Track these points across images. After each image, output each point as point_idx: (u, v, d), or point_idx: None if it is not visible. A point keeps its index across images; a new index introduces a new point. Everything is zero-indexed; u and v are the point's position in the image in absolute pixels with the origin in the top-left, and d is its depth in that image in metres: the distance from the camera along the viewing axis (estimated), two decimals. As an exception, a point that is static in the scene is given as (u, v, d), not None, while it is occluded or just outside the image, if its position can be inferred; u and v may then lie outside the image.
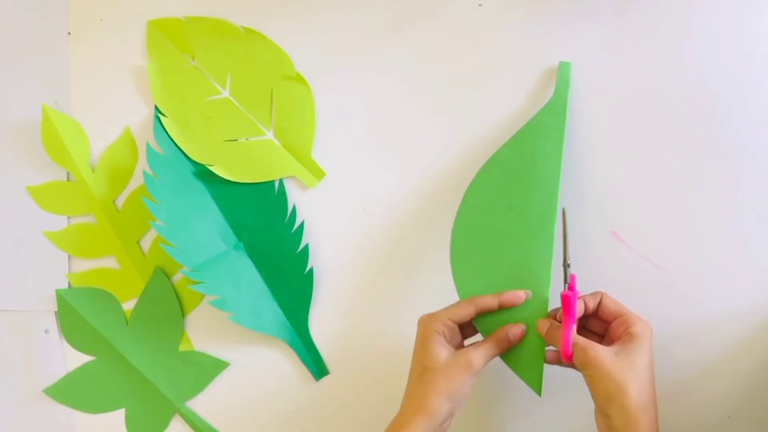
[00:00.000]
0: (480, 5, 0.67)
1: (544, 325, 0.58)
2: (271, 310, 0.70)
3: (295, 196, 0.70)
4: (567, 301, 0.56)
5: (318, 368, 0.70)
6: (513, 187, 0.60)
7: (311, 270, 0.70)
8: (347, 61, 0.69)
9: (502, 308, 0.59)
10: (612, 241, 0.65)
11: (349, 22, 0.69)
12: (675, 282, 0.65)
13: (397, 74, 0.68)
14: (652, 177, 0.65)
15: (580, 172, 0.65)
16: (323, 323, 0.70)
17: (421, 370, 0.57)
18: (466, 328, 0.61)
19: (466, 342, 0.61)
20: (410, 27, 0.68)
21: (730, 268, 0.64)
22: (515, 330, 0.58)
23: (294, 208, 0.70)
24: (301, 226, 0.70)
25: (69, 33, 0.72)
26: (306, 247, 0.70)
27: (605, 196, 0.65)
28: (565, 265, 0.59)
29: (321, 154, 0.70)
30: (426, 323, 0.58)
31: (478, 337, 0.61)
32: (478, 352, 0.56)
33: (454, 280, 0.62)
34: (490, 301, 0.59)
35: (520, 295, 0.59)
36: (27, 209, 0.73)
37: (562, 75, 0.63)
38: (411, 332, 0.68)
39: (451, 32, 0.67)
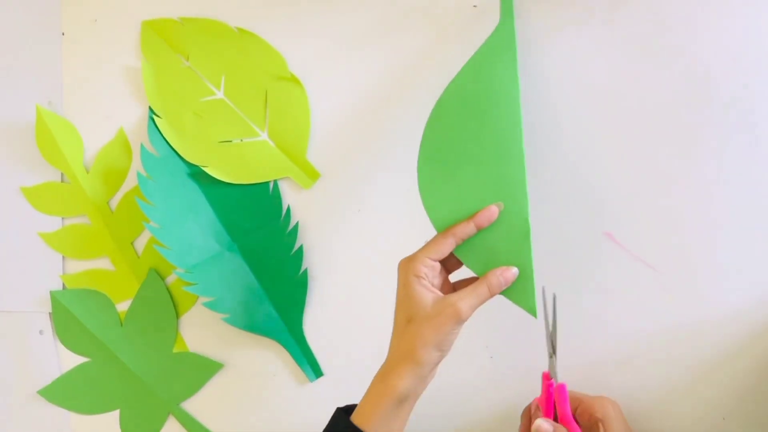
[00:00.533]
0: (474, 6, 0.67)
1: (546, 429, 0.56)
2: (265, 311, 0.70)
3: (289, 197, 0.70)
4: (563, 393, 0.57)
5: (312, 369, 0.70)
6: (474, 112, 0.58)
7: (306, 271, 0.70)
8: (342, 61, 0.69)
9: (481, 230, 0.57)
10: (606, 242, 0.65)
11: (343, 22, 0.69)
12: (669, 283, 0.65)
13: (391, 75, 0.68)
14: (647, 178, 0.65)
15: (574, 174, 0.65)
16: (318, 324, 0.70)
17: (406, 318, 0.55)
18: (448, 261, 0.58)
19: (451, 277, 0.59)
20: (405, 28, 0.68)
21: (724, 269, 0.64)
22: (507, 275, 0.56)
23: (288, 209, 0.70)
24: (296, 227, 0.70)
25: (63, 34, 0.72)
26: (300, 248, 0.70)
27: (599, 197, 0.65)
28: (550, 355, 0.58)
29: (315, 155, 0.70)
30: (405, 267, 0.56)
31: (464, 269, 0.59)
32: (467, 300, 0.54)
33: (428, 214, 0.59)
34: (465, 227, 0.56)
35: (492, 210, 0.56)
36: (21, 210, 0.73)
37: (505, 3, 0.62)
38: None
39: (445, 33, 0.67)
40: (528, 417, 0.61)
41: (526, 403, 0.64)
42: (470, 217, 0.57)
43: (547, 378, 0.58)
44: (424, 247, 0.56)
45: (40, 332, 0.73)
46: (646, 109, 0.64)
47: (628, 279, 0.65)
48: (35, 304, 0.73)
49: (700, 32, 0.63)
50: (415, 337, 0.54)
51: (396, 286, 0.57)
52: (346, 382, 0.70)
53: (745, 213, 0.64)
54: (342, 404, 0.70)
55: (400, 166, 0.69)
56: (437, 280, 0.57)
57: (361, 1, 0.68)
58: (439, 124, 0.59)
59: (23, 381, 0.73)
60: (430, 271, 0.56)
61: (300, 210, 0.70)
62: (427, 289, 0.55)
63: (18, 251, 0.73)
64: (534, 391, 0.63)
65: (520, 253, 0.57)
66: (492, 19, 0.66)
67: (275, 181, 0.70)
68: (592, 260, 0.65)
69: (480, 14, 0.66)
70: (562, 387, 0.58)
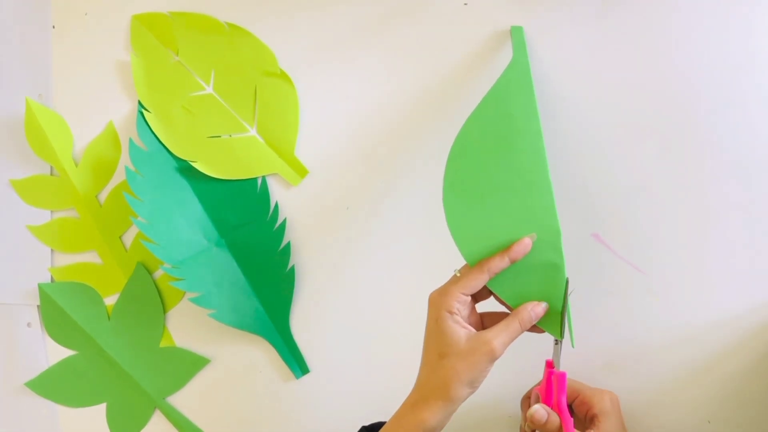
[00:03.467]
0: (465, 4, 0.66)
1: (541, 416, 0.56)
2: (252, 307, 0.70)
3: (277, 194, 0.70)
4: (561, 382, 0.57)
5: (299, 366, 0.70)
6: (497, 145, 0.59)
7: (293, 268, 0.70)
8: (331, 58, 0.69)
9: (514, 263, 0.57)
10: (594, 244, 0.65)
11: (333, 19, 0.68)
12: (656, 285, 0.65)
13: (381, 72, 0.68)
14: (635, 179, 0.64)
15: (563, 175, 0.65)
16: (304, 321, 0.70)
17: (439, 354, 0.54)
18: (478, 293, 0.58)
19: (478, 306, 0.59)
20: (395, 25, 0.68)
21: (712, 272, 0.64)
22: (538, 309, 0.56)
23: (276, 206, 0.70)
24: (284, 223, 0.70)
25: (53, 27, 0.72)
26: (288, 244, 0.70)
27: (587, 199, 0.65)
28: (555, 342, 0.58)
29: (304, 152, 0.70)
30: (437, 302, 0.55)
31: (491, 301, 0.59)
32: (501, 338, 0.54)
33: (458, 247, 0.58)
34: (500, 261, 0.56)
35: (526, 242, 0.56)
36: (10, 203, 0.73)
37: (516, 37, 0.63)
38: (394, 331, 0.68)
39: (436, 31, 0.67)
40: (528, 405, 0.61)
41: (521, 390, 0.64)
42: (504, 250, 0.56)
43: (550, 366, 0.58)
44: (456, 282, 0.56)
45: (28, 325, 0.73)
46: (635, 110, 0.64)
47: (616, 281, 0.65)
48: (23, 296, 0.73)
49: (691, 34, 0.63)
50: (449, 374, 0.54)
51: (426, 319, 0.56)
52: (332, 380, 0.70)
53: (735, 217, 0.63)
54: (328, 402, 0.70)
55: (389, 164, 0.69)
56: (466, 312, 0.56)
57: (351, -3, 0.68)
58: (462, 158, 0.59)
59: (10, 373, 0.73)
60: (462, 306, 0.56)
61: (288, 206, 0.70)
62: (460, 325, 0.55)
63: (6, 244, 0.73)
64: (528, 378, 0.63)
65: (552, 282, 0.57)
66: (482, 17, 0.66)
67: (263, 177, 0.70)
68: (579, 262, 0.65)
69: (470, 12, 0.66)
70: (561, 375, 0.57)
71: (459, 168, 0.59)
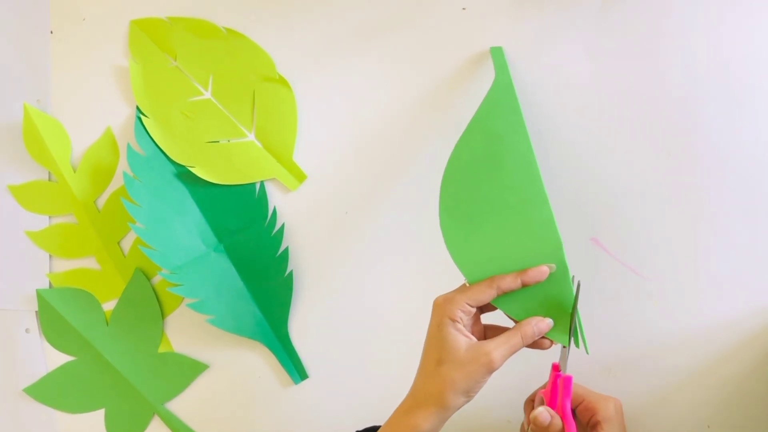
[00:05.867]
0: (464, 8, 0.66)
1: (544, 418, 0.56)
2: (250, 312, 0.70)
3: (276, 199, 0.70)
4: (567, 386, 0.57)
5: (297, 372, 0.70)
6: (489, 165, 0.59)
7: (291, 273, 0.70)
8: (329, 63, 0.69)
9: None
10: (593, 248, 0.65)
11: (331, 24, 0.68)
12: (655, 289, 0.64)
13: (380, 76, 0.68)
14: (634, 183, 0.64)
15: (562, 179, 0.65)
16: (303, 326, 0.70)
17: (437, 360, 0.54)
18: (485, 305, 0.58)
19: (484, 318, 0.58)
20: (393, 29, 0.68)
21: (711, 276, 0.64)
22: (542, 325, 0.56)
23: (275, 211, 0.70)
24: (282, 228, 0.70)
25: (51, 32, 0.72)
26: (286, 249, 0.70)
27: (586, 203, 0.65)
28: (563, 345, 0.57)
29: (302, 157, 0.70)
30: (442, 309, 0.55)
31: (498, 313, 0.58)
32: (500, 350, 0.54)
33: (460, 268, 0.58)
34: (512, 282, 0.55)
35: (543, 270, 0.56)
36: (8, 208, 0.73)
37: (497, 58, 0.64)
38: (392, 337, 0.68)
39: (434, 35, 0.67)
40: (531, 408, 0.61)
41: (521, 394, 0.64)
42: (518, 272, 0.56)
43: (557, 369, 0.58)
44: (464, 292, 0.56)
45: (27, 330, 0.73)
46: (634, 113, 0.64)
47: (615, 285, 0.65)
48: (22, 302, 0.73)
49: (690, 38, 0.63)
50: (445, 381, 0.53)
51: (429, 324, 0.56)
52: (331, 385, 0.70)
53: (735, 221, 0.63)
54: (326, 407, 0.70)
55: (387, 169, 0.68)
56: (470, 322, 0.56)
57: (349, 3, 0.68)
58: (455, 181, 0.59)
59: (9, 379, 0.73)
60: (466, 316, 0.55)
61: (286, 211, 0.70)
62: (461, 333, 0.54)
63: (5, 249, 0.73)
64: (530, 382, 0.63)
65: (557, 293, 0.57)
66: (481, 22, 0.66)
67: (262, 182, 0.70)
68: (578, 266, 0.65)
69: (469, 17, 0.66)
70: (567, 379, 0.57)
71: (453, 191, 0.59)
